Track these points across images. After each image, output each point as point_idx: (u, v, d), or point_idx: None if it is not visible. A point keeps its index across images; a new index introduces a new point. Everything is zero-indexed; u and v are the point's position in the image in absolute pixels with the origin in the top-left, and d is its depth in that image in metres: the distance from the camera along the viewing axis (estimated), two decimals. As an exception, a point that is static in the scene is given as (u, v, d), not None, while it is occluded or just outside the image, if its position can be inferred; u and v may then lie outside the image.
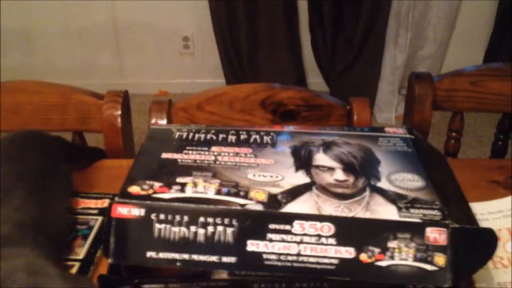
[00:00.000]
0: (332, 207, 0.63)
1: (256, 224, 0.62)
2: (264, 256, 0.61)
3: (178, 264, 0.62)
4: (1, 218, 0.66)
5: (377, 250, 0.61)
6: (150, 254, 0.62)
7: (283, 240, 0.62)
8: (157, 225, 0.62)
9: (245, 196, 0.64)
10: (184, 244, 0.62)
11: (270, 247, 0.62)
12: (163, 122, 1.04)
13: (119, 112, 1.05)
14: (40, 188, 0.74)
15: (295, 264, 0.61)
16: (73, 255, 0.78)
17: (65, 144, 0.94)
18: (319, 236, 0.61)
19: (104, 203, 0.89)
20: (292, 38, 2.78)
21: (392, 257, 0.61)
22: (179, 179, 0.67)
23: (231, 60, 2.83)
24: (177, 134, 0.79)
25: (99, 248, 0.78)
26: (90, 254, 0.78)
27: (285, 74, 2.81)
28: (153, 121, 1.04)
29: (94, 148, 1.04)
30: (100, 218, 0.85)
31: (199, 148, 0.75)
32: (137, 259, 0.62)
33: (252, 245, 0.62)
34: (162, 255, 0.62)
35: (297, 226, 0.62)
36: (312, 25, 2.75)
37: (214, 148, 0.75)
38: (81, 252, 0.78)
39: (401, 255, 0.61)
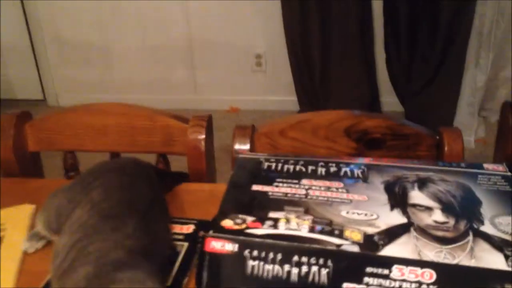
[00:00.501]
0: (433, 252, 0.60)
1: (352, 266, 0.60)
2: (360, 300, 0.59)
3: (270, 303, 0.60)
4: (114, 244, 0.68)
5: (483, 301, 0.57)
6: (243, 291, 0.61)
7: (380, 285, 0.59)
8: (250, 262, 0.61)
9: (340, 235, 0.62)
10: (277, 283, 0.60)
11: (366, 291, 0.59)
12: (246, 147, 1.04)
13: (203, 136, 1.05)
14: (149, 217, 0.76)
15: (393, 311, 0.59)
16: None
17: (156, 171, 0.96)
18: (420, 283, 0.58)
19: (190, 228, 0.89)
20: (366, 57, 2.74)
21: (499, 311, 0.57)
22: (272, 214, 0.66)
23: (303, 77, 2.82)
24: (265, 165, 0.78)
25: (185, 275, 0.78)
26: (177, 281, 0.78)
27: (358, 93, 2.77)
28: (236, 146, 1.04)
29: (178, 172, 1.06)
30: (185, 244, 0.85)
31: (289, 181, 0.74)
32: (230, 297, 0.61)
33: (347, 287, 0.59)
34: (254, 292, 0.61)
35: (396, 271, 0.59)
36: (387, 42, 2.69)
37: (304, 181, 0.74)
38: (169, 279, 0.79)
39: (509, 309, 0.57)
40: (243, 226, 0.64)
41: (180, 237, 0.87)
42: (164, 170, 1.11)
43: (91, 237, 0.69)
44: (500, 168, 0.78)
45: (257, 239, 0.62)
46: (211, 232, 0.62)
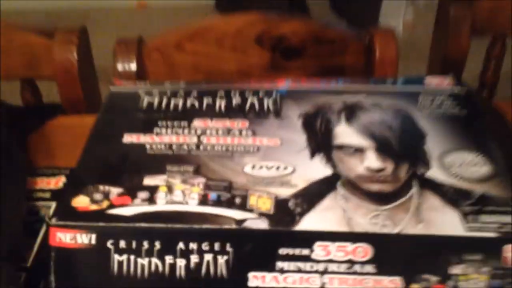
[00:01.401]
0: (368, 218, 0.44)
1: (260, 249, 0.43)
2: (274, 293, 0.43)
3: (150, 310, 0.44)
4: None
5: (434, 278, 0.43)
6: (110, 297, 0.43)
7: (299, 270, 0.43)
8: (117, 257, 0.43)
9: (243, 206, 0.45)
10: (158, 282, 0.43)
11: (281, 280, 0.43)
12: (132, 68, 0.82)
13: (75, 56, 0.82)
14: None
15: (318, 304, 0.43)
16: (19, 262, 0.59)
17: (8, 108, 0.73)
18: (351, 262, 0.43)
19: (59, 182, 0.69)
20: None
21: (455, 288, 0.43)
22: (148, 181, 0.47)
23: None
24: (145, 100, 0.58)
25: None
26: (40, 262, 0.59)
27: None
28: (119, 67, 0.81)
29: (46, 105, 0.83)
30: (53, 205, 0.65)
31: (175, 124, 0.54)
32: (92, 305, 0.44)
33: (256, 279, 0.43)
34: (126, 298, 0.43)
35: (319, 250, 0.43)
36: None
37: (196, 123, 0.54)
38: (29, 258, 0.60)
39: (469, 284, 0.43)
40: (105, 204, 0.44)
41: (47, 195, 0.67)
42: (21, 108, 0.87)
43: None
44: (446, 82, 0.61)
45: (124, 224, 0.43)
46: (54, 220, 0.43)
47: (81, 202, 0.45)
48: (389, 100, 0.57)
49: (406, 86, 0.60)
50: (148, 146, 0.51)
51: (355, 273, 0.43)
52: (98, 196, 0.45)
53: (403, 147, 0.51)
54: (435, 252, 0.43)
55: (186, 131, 0.53)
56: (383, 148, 0.50)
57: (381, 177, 0.48)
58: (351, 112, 0.55)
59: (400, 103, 0.57)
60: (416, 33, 2.51)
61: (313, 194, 0.46)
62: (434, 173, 0.48)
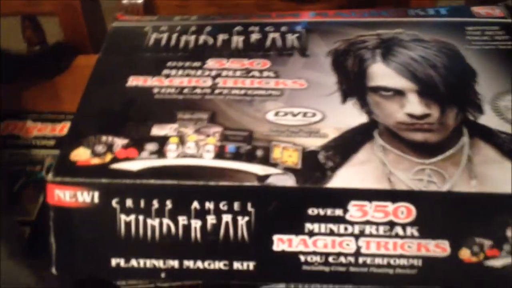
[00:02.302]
0: (411, 173, 0.38)
1: (286, 209, 0.37)
2: (302, 258, 0.38)
3: (162, 276, 0.39)
4: None
5: (487, 242, 0.37)
6: (116, 261, 0.38)
7: (331, 233, 0.38)
8: (123, 217, 0.38)
9: (265, 159, 0.39)
10: (170, 245, 0.38)
11: (310, 244, 0.38)
12: (139, 1, 0.74)
13: (79, -11, 0.74)
14: None
15: (353, 270, 0.38)
16: (23, 215, 0.55)
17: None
18: (392, 224, 0.37)
19: (65, 127, 0.64)
20: None
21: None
22: (156, 130, 0.41)
23: None
24: (152, 37, 0.51)
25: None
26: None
27: None
28: (124, 0, 0.74)
29: (49, 47, 0.77)
30: (55, 154, 0.60)
31: (187, 64, 0.47)
32: (96, 270, 0.39)
33: (281, 243, 0.38)
34: (135, 262, 0.38)
35: (355, 210, 0.37)
36: None
37: (210, 63, 0.48)
38: (33, 210, 0.55)
39: (527, 249, 0.37)
40: (108, 157, 0.39)
41: (51, 142, 0.62)
42: (22, 56, 0.80)
43: None
44: (496, 11, 0.53)
45: (130, 180, 0.37)
46: (51, 175, 0.37)
47: (81, 155, 0.39)
48: (431, 33, 0.49)
49: (450, 17, 0.52)
50: (156, 90, 0.45)
51: (396, 236, 0.37)
52: (100, 148, 0.39)
53: (450, 89, 0.44)
54: (489, 213, 0.37)
55: (199, 72, 0.46)
56: (426, 90, 0.43)
57: (426, 125, 0.41)
58: (388, 48, 0.47)
59: (444, 36, 0.49)
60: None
61: (346, 145, 0.40)
62: (488, 119, 0.41)
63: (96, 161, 0.39)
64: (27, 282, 0.41)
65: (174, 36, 0.51)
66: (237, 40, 0.50)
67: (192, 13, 0.73)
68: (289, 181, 0.37)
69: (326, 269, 0.38)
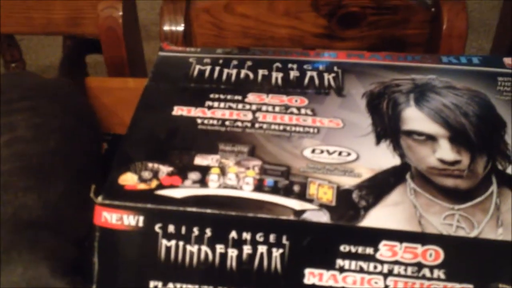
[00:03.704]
0: (441, 218, 0.40)
1: (319, 244, 0.39)
2: (331, 292, 0.40)
3: (198, 300, 0.41)
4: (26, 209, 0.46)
5: (511, 290, 0.38)
6: (154, 284, 0.41)
7: (361, 270, 0.39)
8: (165, 242, 0.40)
9: (302, 195, 0.41)
10: (207, 272, 0.40)
11: (340, 280, 0.39)
12: (179, 28, 0.77)
13: (120, 13, 0.78)
14: (80, 182, 0.52)
15: (379, 307, 0.40)
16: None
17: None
18: (420, 265, 0.39)
19: (103, 147, 0.67)
20: None
21: (534, 302, 0.38)
22: (199, 160, 0.43)
23: None
24: (196, 68, 0.54)
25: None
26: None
27: None
28: (165, 27, 0.77)
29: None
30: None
31: (229, 97, 0.50)
32: (136, 291, 0.41)
33: (313, 276, 0.40)
34: (172, 286, 0.40)
35: (385, 250, 0.39)
36: None
37: (251, 97, 0.50)
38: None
39: (550, 299, 0.38)
40: (154, 183, 0.41)
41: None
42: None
43: None
44: (528, 63, 0.55)
45: (173, 207, 0.40)
46: (100, 198, 0.40)
47: (129, 180, 0.41)
48: (464, 81, 0.51)
49: (482, 66, 0.54)
50: (199, 121, 0.47)
51: (423, 277, 0.39)
52: (146, 174, 0.42)
53: (480, 137, 0.46)
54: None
55: (240, 105, 0.49)
56: (458, 137, 0.45)
57: (456, 171, 0.43)
58: (421, 93, 0.50)
59: (476, 85, 0.51)
60: (468, 1, 2.39)
61: (379, 186, 0.42)
62: (517, 169, 0.43)
63: (142, 186, 0.41)
64: None
65: (217, 68, 0.53)
66: (277, 77, 0.53)
67: (228, 44, 0.77)
68: (323, 217, 0.39)
69: (354, 304, 0.40)
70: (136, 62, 0.83)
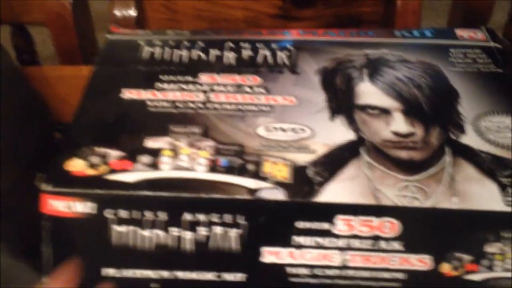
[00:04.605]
0: (396, 189, 0.40)
1: (275, 222, 0.39)
2: (289, 270, 0.39)
3: (153, 286, 0.40)
4: None
5: (467, 257, 0.39)
6: (108, 271, 0.39)
7: (318, 246, 0.39)
8: (117, 228, 0.38)
9: (257, 173, 0.40)
10: (162, 256, 0.39)
11: (298, 256, 0.39)
12: (131, 13, 0.75)
13: (70, -1, 0.75)
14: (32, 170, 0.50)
15: (338, 282, 0.40)
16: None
17: None
18: (376, 238, 0.39)
19: (56, 137, 0.65)
20: None
21: (490, 268, 0.39)
22: (150, 142, 0.42)
23: None
24: (146, 51, 0.52)
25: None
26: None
27: None
28: (116, 11, 0.75)
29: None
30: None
31: (180, 78, 0.49)
32: (87, 279, 0.40)
33: (270, 254, 0.39)
34: (126, 273, 0.39)
35: (341, 224, 0.38)
36: None
37: (203, 77, 0.49)
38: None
39: (505, 264, 0.39)
40: (103, 168, 0.40)
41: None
42: None
43: None
44: (478, 35, 0.55)
45: (124, 192, 0.38)
46: (45, 185, 0.38)
47: (76, 165, 0.40)
48: (416, 54, 0.51)
49: (435, 38, 0.54)
50: (149, 103, 0.46)
51: (380, 250, 0.39)
52: (95, 160, 0.40)
53: (434, 109, 0.46)
54: (470, 229, 0.38)
55: (191, 86, 0.48)
56: (411, 109, 0.45)
57: (410, 143, 0.43)
58: (374, 68, 0.49)
59: (429, 57, 0.51)
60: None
61: (334, 161, 0.41)
62: (469, 138, 0.43)
63: (91, 172, 0.39)
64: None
65: (167, 50, 0.52)
66: (229, 56, 0.52)
67: (183, 27, 0.75)
68: (278, 195, 0.39)
69: (313, 281, 0.39)
70: (88, 50, 0.81)
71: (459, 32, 0.56)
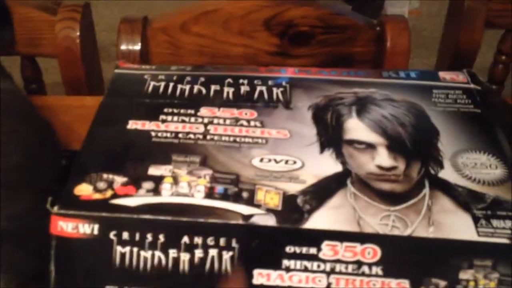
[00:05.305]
0: (378, 218, 0.43)
1: (266, 246, 0.42)
2: (278, 292, 0.42)
3: (152, 304, 0.43)
4: None
5: (442, 283, 0.42)
6: (110, 289, 0.42)
7: (306, 269, 0.42)
8: (119, 248, 0.42)
9: (250, 200, 0.43)
10: (160, 276, 0.42)
11: (287, 279, 0.42)
12: (136, 47, 0.80)
13: (77, 34, 0.80)
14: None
15: (323, 304, 0.43)
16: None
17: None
18: (359, 263, 0.42)
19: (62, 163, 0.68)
20: None
21: (464, 294, 0.42)
22: (153, 170, 0.45)
23: None
24: (151, 85, 0.56)
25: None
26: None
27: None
28: (122, 46, 0.79)
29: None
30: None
31: (182, 111, 0.52)
32: (92, 297, 0.43)
33: (261, 277, 0.42)
34: (128, 291, 0.42)
35: (327, 250, 0.42)
36: None
37: (203, 111, 0.53)
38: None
39: (478, 291, 0.42)
40: (109, 193, 0.43)
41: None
42: None
43: None
44: (460, 77, 0.60)
45: (127, 215, 0.42)
46: (56, 208, 0.42)
47: (84, 190, 0.43)
48: (401, 94, 0.56)
49: (419, 80, 0.59)
50: (153, 134, 0.49)
51: (362, 274, 0.42)
52: (101, 185, 0.44)
53: (415, 145, 0.49)
54: (445, 256, 0.42)
55: (192, 119, 0.52)
56: (395, 145, 0.49)
57: (393, 176, 0.46)
58: (362, 106, 0.53)
59: (413, 97, 0.55)
60: (421, 21, 2.50)
61: (322, 191, 0.45)
62: (447, 173, 0.47)
63: (97, 196, 0.43)
64: None
65: (171, 84, 0.56)
66: (228, 91, 0.56)
67: (185, 62, 0.80)
68: (270, 221, 0.42)
69: (300, 302, 0.42)
70: (94, 81, 0.85)
71: (442, 74, 0.60)
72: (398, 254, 0.42)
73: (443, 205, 0.44)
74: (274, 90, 0.56)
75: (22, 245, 0.49)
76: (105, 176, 0.44)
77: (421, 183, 0.46)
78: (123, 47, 0.79)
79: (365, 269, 0.42)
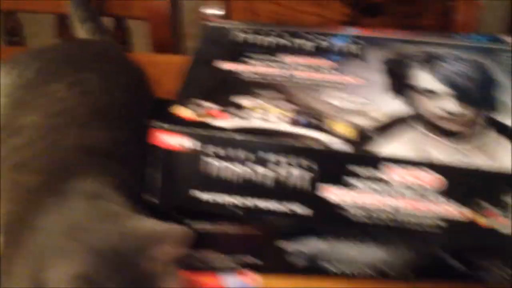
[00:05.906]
0: (446, 152, 0.48)
1: (342, 169, 0.48)
2: (350, 211, 0.48)
3: (239, 212, 0.49)
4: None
5: (498, 212, 0.46)
6: (207, 197, 0.49)
7: (375, 191, 0.48)
8: (216, 162, 0.48)
9: (330, 131, 0.49)
10: (247, 188, 0.49)
11: (358, 199, 0.48)
12: (220, 12, 0.87)
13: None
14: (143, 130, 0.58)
15: (391, 224, 0.48)
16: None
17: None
18: (425, 189, 0.47)
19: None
20: None
21: (518, 223, 0.46)
22: (244, 101, 0.52)
23: None
24: (240, 36, 0.63)
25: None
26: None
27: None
28: (207, 10, 0.86)
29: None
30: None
31: (268, 57, 0.59)
32: (190, 203, 0.50)
33: (336, 196, 0.48)
34: (220, 198, 0.49)
35: (396, 176, 0.47)
36: None
37: (287, 59, 0.59)
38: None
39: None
40: (207, 117, 0.50)
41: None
42: None
43: (69, 129, 0.55)
44: (526, 42, 0.63)
45: (224, 134, 0.49)
46: (161, 123, 0.49)
47: (185, 113, 0.50)
48: (470, 54, 0.60)
49: (489, 43, 0.63)
50: (244, 74, 0.56)
51: (426, 199, 0.47)
52: (200, 110, 0.51)
53: (481, 96, 0.54)
54: (506, 187, 0.46)
55: (277, 64, 0.58)
56: (463, 95, 0.54)
57: (460, 120, 0.51)
58: (433, 62, 0.58)
59: (481, 58, 0.59)
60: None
61: (394, 128, 0.50)
62: (506, 119, 0.51)
63: (198, 118, 0.50)
64: None
65: (258, 36, 0.62)
66: (310, 45, 0.61)
67: (261, 17, 0.85)
68: (348, 149, 0.48)
69: (369, 221, 0.48)
70: (178, 42, 0.93)
71: (508, 39, 0.64)
72: (459, 183, 0.47)
73: (499, 143, 0.49)
74: (352, 45, 0.61)
75: (127, 166, 0.56)
76: (203, 103, 0.51)
77: (485, 127, 0.50)
78: (208, 10, 0.86)
79: (430, 195, 0.47)
